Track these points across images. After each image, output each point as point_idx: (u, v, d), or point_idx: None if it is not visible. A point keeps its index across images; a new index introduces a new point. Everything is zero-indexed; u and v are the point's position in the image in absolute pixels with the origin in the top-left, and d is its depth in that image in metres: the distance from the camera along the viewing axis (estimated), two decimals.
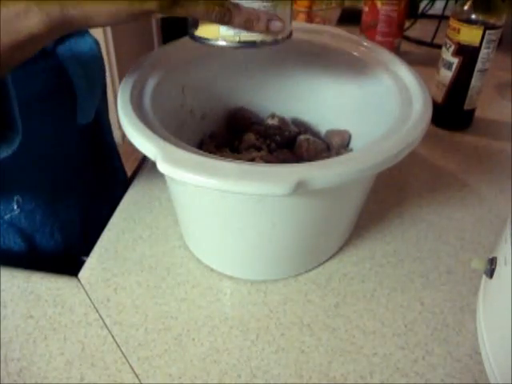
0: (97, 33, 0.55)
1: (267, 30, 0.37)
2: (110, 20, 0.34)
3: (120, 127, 0.38)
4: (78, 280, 0.45)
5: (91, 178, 0.63)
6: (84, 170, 0.61)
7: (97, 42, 0.56)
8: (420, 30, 1.00)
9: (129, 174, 0.70)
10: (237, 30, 0.37)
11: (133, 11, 0.33)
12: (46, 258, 0.56)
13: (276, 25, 0.37)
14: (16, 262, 0.47)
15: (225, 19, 0.36)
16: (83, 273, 0.46)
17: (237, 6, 0.36)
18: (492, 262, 0.37)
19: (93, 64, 0.54)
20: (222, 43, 0.38)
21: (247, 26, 0.36)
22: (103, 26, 0.35)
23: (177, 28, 0.69)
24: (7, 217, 0.51)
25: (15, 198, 0.51)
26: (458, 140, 0.67)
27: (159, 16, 0.35)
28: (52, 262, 0.56)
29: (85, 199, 0.61)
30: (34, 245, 0.54)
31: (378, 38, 0.84)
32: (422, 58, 0.91)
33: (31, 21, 0.32)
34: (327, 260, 0.48)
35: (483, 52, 0.62)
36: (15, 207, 0.51)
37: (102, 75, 0.60)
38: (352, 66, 0.51)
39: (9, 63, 0.34)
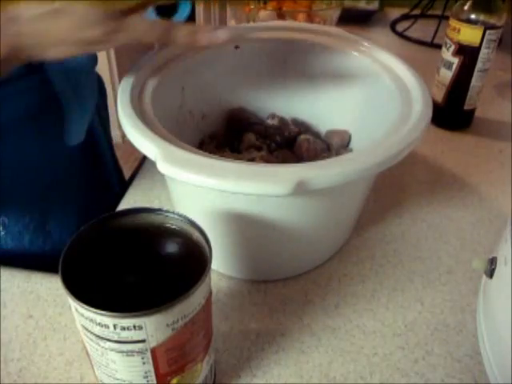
0: None
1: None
2: (62, 54, 0.35)
3: (120, 127, 0.38)
4: None
5: (84, 193, 0.60)
6: (77, 186, 0.58)
7: (91, 57, 0.53)
8: (420, 30, 1.00)
9: (129, 174, 0.69)
10: None
11: (83, 43, 0.34)
12: (45, 260, 0.55)
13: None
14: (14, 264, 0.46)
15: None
16: None
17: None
18: (492, 262, 0.37)
19: (83, 80, 0.52)
20: None
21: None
22: (55, 59, 0.35)
23: None
24: None
25: (0, 220, 0.49)
26: (457, 140, 0.67)
27: (108, 46, 0.35)
28: (52, 263, 0.55)
29: (78, 215, 0.58)
30: (24, 265, 0.53)
31: None
32: (422, 58, 0.91)
33: None
34: (327, 260, 0.48)
35: (483, 52, 0.62)
36: (0, 229, 0.49)
37: (94, 93, 0.57)
38: (352, 66, 0.51)
39: None
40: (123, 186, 0.65)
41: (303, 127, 0.56)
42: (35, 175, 0.51)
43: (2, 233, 0.49)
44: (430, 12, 1.03)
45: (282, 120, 0.55)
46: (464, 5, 0.62)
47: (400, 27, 1.03)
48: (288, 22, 0.65)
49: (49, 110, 0.50)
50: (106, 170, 0.66)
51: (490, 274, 0.37)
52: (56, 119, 0.51)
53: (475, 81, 0.65)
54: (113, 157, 0.69)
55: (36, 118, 0.49)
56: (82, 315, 0.26)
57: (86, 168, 0.60)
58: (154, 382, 0.30)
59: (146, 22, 0.35)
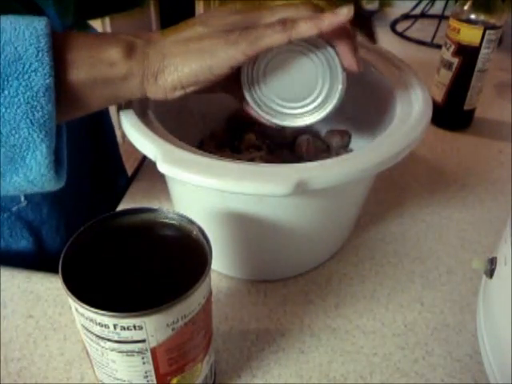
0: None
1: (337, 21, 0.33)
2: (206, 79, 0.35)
3: (120, 127, 0.38)
4: None
5: (94, 175, 0.63)
6: (88, 166, 0.61)
7: None
8: (420, 30, 1.00)
9: (129, 174, 0.70)
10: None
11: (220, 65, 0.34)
12: (52, 258, 0.56)
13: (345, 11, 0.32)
14: (23, 260, 0.47)
15: (288, 31, 0.33)
16: None
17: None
18: (492, 262, 0.37)
19: None
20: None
21: (317, 26, 0.33)
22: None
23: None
24: (15, 209, 0.51)
25: None
26: (457, 140, 0.67)
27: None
28: (57, 262, 0.56)
29: (88, 197, 0.61)
30: (40, 240, 0.54)
31: None
32: (422, 58, 0.91)
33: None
34: (327, 260, 0.48)
35: (483, 52, 0.62)
36: (22, 199, 0.51)
37: None
38: None
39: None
40: (126, 181, 0.67)
41: (303, 127, 0.56)
42: None
43: (24, 203, 0.51)
44: (430, 12, 1.03)
45: None
46: (464, 5, 0.62)
47: (400, 27, 1.03)
48: None
49: None
50: (112, 152, 0.68)
51: (490, 273, 0.37)
52: None
53: (475, 81, 0.64)
54: (117, 150, 0.70)
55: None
56: (82, 315, 0.26)
57: (95, 148, 0.62)
58: (154, 381, 0.30)
59: (262, 26, 0.33)
